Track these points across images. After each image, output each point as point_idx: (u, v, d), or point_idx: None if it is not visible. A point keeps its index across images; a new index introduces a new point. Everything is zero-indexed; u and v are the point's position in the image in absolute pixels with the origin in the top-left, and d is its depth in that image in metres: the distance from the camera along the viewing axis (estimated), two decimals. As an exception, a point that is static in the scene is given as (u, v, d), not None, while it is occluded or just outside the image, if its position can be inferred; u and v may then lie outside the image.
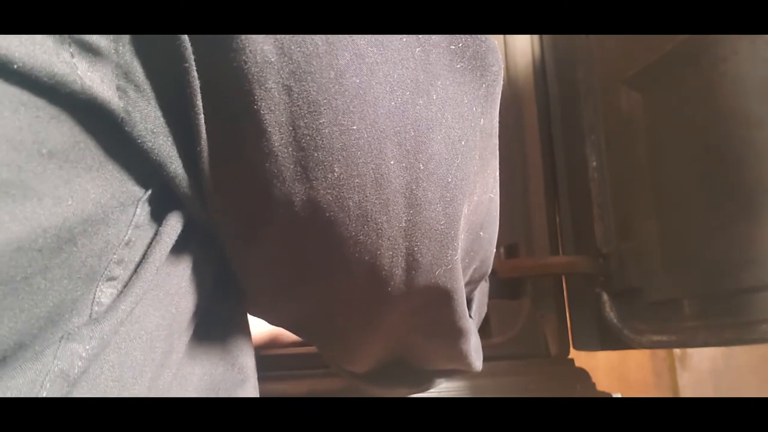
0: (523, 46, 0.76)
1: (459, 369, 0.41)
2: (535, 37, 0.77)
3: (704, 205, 0.56)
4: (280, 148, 0.21)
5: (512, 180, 0.72)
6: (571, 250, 0.71)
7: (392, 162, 0.23)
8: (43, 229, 0.18)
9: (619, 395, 0.64)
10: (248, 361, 0.30)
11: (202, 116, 0.21)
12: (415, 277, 0.27)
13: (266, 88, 0.20)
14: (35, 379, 0.18)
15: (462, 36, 0.25)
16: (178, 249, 0.23)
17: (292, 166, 0.22)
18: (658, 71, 0.61)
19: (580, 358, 0.70)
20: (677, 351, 1.44)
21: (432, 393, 0.61)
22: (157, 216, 0.22)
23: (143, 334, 0.22)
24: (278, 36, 0.20)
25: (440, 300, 0.29)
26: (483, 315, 0.42)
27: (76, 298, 0.19)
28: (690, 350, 1.40)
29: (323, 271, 0.26)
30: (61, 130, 0.18)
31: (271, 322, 0.33)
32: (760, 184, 0.51)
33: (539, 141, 0.74)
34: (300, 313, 0.30)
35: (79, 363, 0.19)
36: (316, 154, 0.22)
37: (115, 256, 0.20)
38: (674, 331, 0.59)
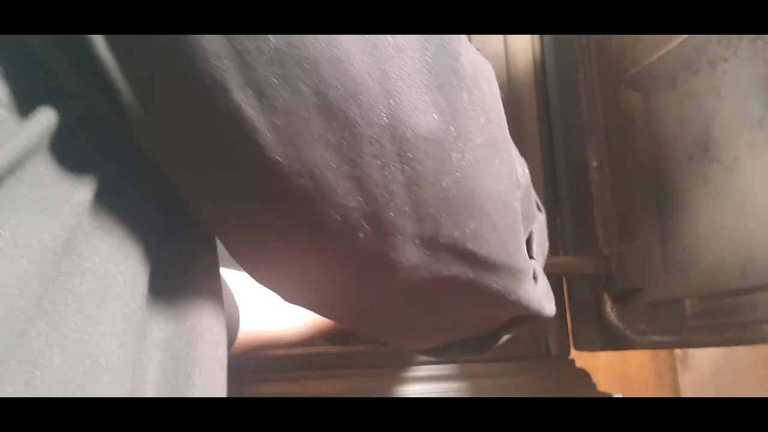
0: (523, 46, 0.76)
1: (528, 316, 0.34)
2: (535, 37, 0.77)
3: (704, 205, 0.56)
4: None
5: (512, 180, 0.72)
6: (571, 251, 0.71)
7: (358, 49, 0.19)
8: None
9: (619, 396, 0.64)
10: (203, 319, 0.25)
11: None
12: (420, 191, 0.22)
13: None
14: None
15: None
16: (75, 162, 0.19)
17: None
18: (659, 71, 0.61)
19: (581, 358, 0.70)
20: (678, 351, 1.44)
21: (432, 393, 0.61)
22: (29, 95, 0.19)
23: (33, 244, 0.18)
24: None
25: (460, 222, 0.23)
26: (546, 252, 0.36)
27: None
28: (691, 351, 1.40)
29: (296, 192, 0.21)
30: None
31: (275, 290, 0.27)
32: (759, 183, 0.51)
33: (539, 141, 0.74)
34: (282, 275, 0.25)
35: None
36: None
37: None
38: (675, 331, 0.58)
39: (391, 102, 0.20)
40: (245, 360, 0.60)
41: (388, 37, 0.20)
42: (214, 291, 0.26)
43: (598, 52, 0.69)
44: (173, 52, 0.18)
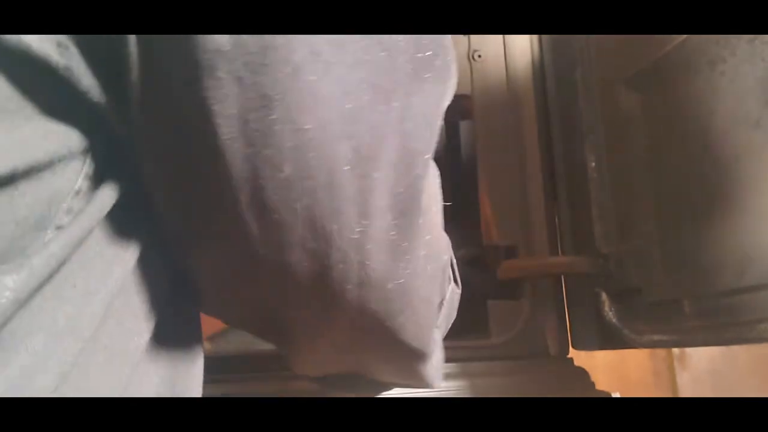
0: (523, 46, 0.76)
1: (415, 385, 0.41)
2: (535, 37, 0.77)
3: (703, 205, 0.56)
4: (227, 141, 0.20)
5: (511, 180, 0.72)
6: (570, 251, 0.71)
7: (346, 168, 0.22)
8: None
9: (618, 395, 0.64)
10: (197, 374, 0.31)
11: (140, 104, 0.20)
12: (367, 292, 0.26)
13: (216, 77, 0.19)
14: None
15: (428, 41, 0.24)
16: (126, 231, 0.23)
17: (239, 163, 0.21)
18: (657, 71, 0.61)
19: (580, 357, 0.70)
20: (676, 350, 1.44)
21: (432, 393, 0.61)
22: (103, 173, 0.22)
23: (78, 290, 0.21)
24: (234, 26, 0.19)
25: (392, 316, 0.28)
26: (451, 322, 0.42)
27: (25, 245, 0.19)
28: (689, 350, 1.40)
29: (269, 274, 0.25)
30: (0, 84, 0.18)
31: (224, 322, 0.33)
32: (758, 183, 0.51)
33: (538, 141, 0.74)
34: (245, 313, 0.30)
35: (7, 293, 0.18)
36: (265, 152, 0.21)
37: (64, 205, 0.21)
38: (673, 330, 0.59)
39: (363, 222, 0.24)
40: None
41: (370, 167, 0.23)
42: (200, 340, 0.32)
43: (596, 53, 0.69)
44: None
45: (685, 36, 0.57)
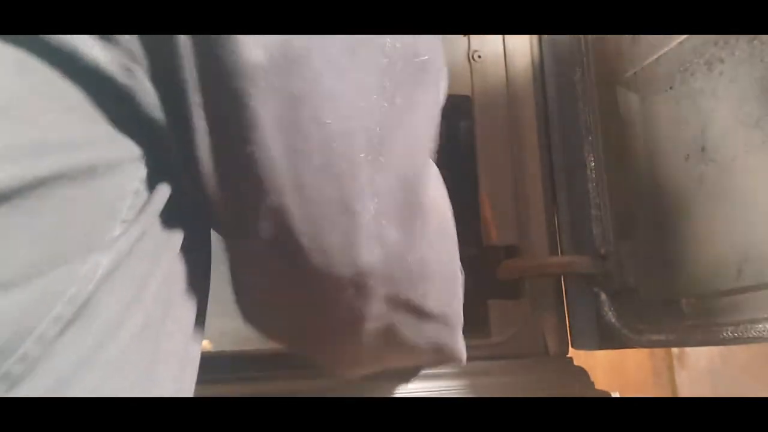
0: (523, 46, 0.76)
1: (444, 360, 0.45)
2: (534, 37, 0.77)
3: (701, 205, 0.56)
4: (270, 137, 0.25)
5: (511, 180, 0.72)
6: (569, 250, 0.72)
7: (362, 155, 0.27)
8: (77, 161, 0.23)
9: (617, 394, 0.64)
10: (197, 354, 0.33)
11: (199, 110, 0.25)
12: (390, 264, 0.30)
13: (258, 86, 0.24)
14: (68, 277, 0.22)
15: (422, 48, 0.28)
16: (173, 226, 0.28)
17: (279, 156, 0.25)
18: (656, 72, 0.61)
19: (579, 357, 0.70)
20: (675, 350, 1.44)
21: (432, 393, 0.61)
22: (154, 177, 0.26)
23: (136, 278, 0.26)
24: (265, 42, 0.24)
25: (414, 285, 0.33)
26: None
27: (101, 233, 0.24)
28: (688, 349, 1.40)
29: (310, 262, 0.29)
30: (78, 94, 0.23)
31: (261, 331, 0.36)
32: (757, 183, 0.51)
33: (538, 141, 0.74)
34: (284, 321, 0.35)
35: (101, 270, 0.23)
36: (298, 145, 0.25)
37: (128, 201, 0.25)
38: (672, 330, 0.59)
39: (376, 200, 0.28)
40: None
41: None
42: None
43: (596, 54, 0.69)
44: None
45: (684, 36, 0.57)
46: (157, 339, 0.27)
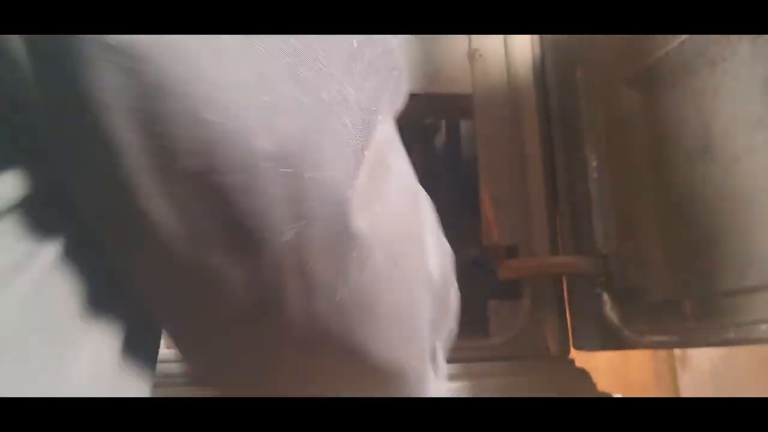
0: (524, 45, 0.76)
1: None
2: (535, 37, 0.77)
3: (704, 205, 0.56)
4: (126, 133, 0.19)
5: (511, 180, 0.72)
6: (571, 251, 0.71)
7: (268, 163, 0.21)
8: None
9: (619, 395, 0.64)
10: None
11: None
12: (314, 300, 0.24)
13: (102, 67, 0.19)
14: None
15: (360, 39, 0.23)
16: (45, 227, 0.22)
17: (139, 153, 0.20)
18: (658, 71, 0.61)
19: (581, 358, 0.70)
20: (678, 351, 1.44)
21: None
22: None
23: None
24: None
25: (349, 331, 0.26)
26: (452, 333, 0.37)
27: None
28: (690, 351, 1.40)
29: (192, 280, 0.23)
30: None
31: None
32: (759, 183, 0.51)
33: (539, 141, 0.74)
34: (190, 344, 0.28)
35: None
36: (161, 142, 0.20)
37: None
38: (675, 331, 0.59)
39: (298, 222, 0.22)
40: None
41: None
42: None
43: (597, 52, 0.69)
44: None
45: (685, 36, 0.56)
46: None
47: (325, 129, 0.22)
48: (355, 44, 0.22)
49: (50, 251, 0.22)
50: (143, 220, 0.21)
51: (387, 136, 0.26)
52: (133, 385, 0.26)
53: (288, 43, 0.21)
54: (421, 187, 0.29)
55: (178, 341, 0.28)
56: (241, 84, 0.20)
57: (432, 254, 0.31)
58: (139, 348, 0.26)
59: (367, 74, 0.23)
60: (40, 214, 0.22)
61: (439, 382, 0.34)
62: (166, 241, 0.21)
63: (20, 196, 0.21)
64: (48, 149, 0.22)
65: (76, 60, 0.19)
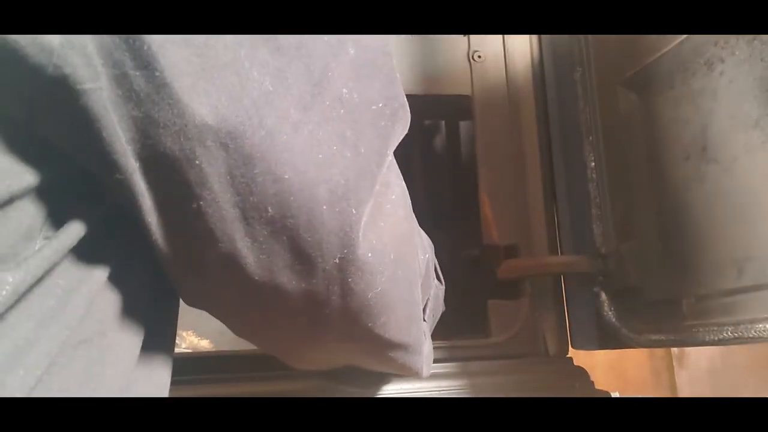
0: (522, 46, 0.76)
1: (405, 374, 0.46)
2: (534, 37, 0.77)
3: (701, 205, 0.56)
4: (221, 192, 0.25)
5: (511, 181, 0.72)
6: (569, 250, 0.72)
7: (324, 207, 0.27)
8: None
9: (617, 394, 0.64)
10: (164, 376, 0.33)
11: (137, 175, 0.24)
12: (351, 301, 0.31)
13: (205, 146, 0.24)
14: None
15: (376, 95, 0.29)
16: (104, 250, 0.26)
17: (231, 209, 0.25)
18: (656, 72, 0.61)
19: (579, 357, 0.70)
20: (675, 350, 1.44)
21: (432, 393, 0.61)
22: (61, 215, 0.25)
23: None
24: (213, 101, 0.23)
25: (374, 318, 0.33)
26: (438, 317, 0.46)
27: (18, 252, 0.23)
28: (688, 349, 1.40)
29: (265, 294, 0.29)
30: None
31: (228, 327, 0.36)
32: (756, 183, 0.51)
33: (538, 141, 0.74)
34: (247, 326, 0.35)
35: (7, 287, 0.22)
36: (251, 198, 0.25)
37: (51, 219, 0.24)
38: (672, 330, 0.59)
39: (345, 250, 0.28)
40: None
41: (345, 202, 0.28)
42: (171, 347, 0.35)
43: (596, 53, 0.69)
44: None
45: (684, 36, 0.57)
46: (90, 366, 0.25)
47: (364, 174, 0.28)
48: (381, 105, 0.29)
49: (106, 269, 0.27)
50: (225, 256, 0.27)
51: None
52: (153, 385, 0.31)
53: (335, 110, 0.27)
54: (404, 183, 0.35)
55: (238, 332, 0.35)
56: (305, 147, 0.26)
57: (419, 248, 0.39)
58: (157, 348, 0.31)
59: (390, 125, 0.29)
60: (99, 241, 0.26)
61: (428, 343, 0.43)
62: (243, 266, 0.27)
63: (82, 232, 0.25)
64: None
65: (186, 138, 0.23)
